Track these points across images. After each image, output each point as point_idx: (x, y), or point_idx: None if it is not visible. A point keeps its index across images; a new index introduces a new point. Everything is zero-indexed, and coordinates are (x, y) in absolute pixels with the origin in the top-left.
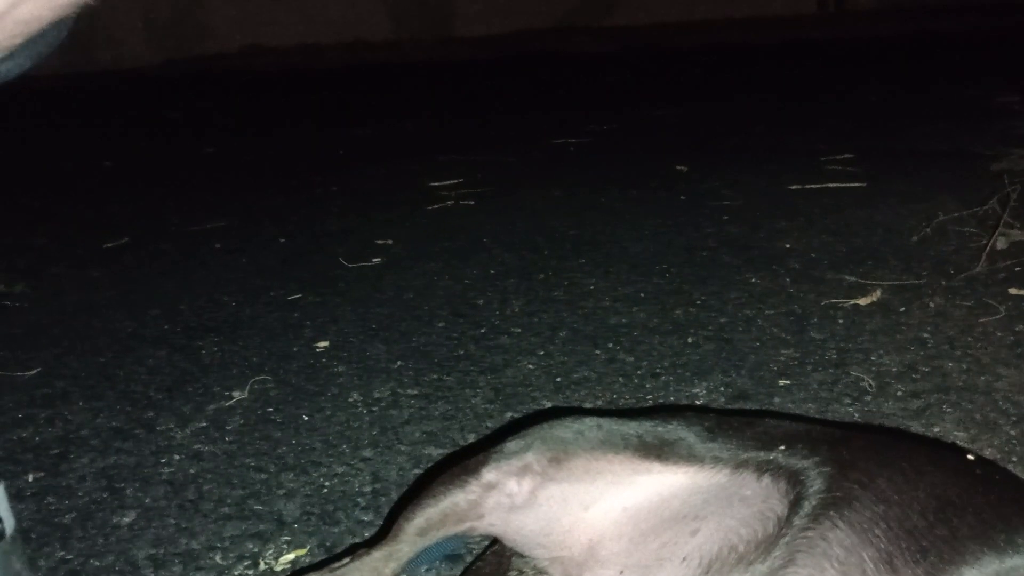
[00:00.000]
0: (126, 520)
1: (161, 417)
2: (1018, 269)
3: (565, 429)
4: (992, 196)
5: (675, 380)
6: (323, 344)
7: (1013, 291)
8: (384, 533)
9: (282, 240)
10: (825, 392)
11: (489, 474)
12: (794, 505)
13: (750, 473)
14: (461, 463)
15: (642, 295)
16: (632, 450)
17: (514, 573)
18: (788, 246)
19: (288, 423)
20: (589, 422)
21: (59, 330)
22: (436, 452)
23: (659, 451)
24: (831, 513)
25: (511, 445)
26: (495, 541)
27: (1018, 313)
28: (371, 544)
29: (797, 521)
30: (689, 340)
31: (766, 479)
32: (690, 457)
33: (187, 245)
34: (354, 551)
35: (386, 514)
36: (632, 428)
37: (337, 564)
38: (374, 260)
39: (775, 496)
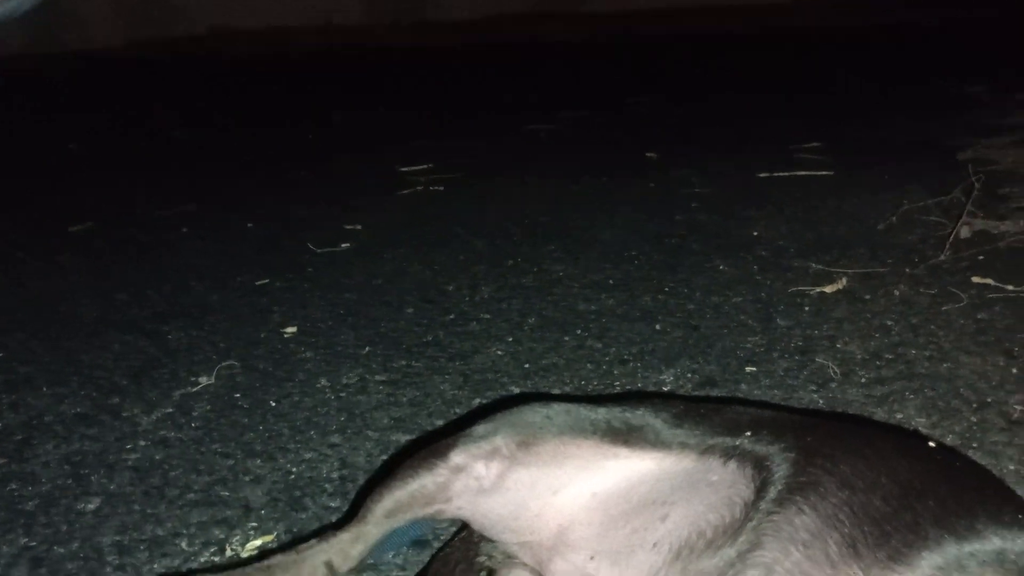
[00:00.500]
0: (91, 507)
1: (127, 403)
2: (981, 258)
3: (533, 413)
4: (957, 186)
5: (643, 367)
6: (291, 330)
7: (976, 279)
8: (352, 516)
9: (250, 225)
10: (791, 379)
11: (457, 457)
12: (760, 490)
13: (716, 459)
14: (429, 446)
15: (611, 282)
16: (600, 435)
17: (483, 558)
18: (756, 234)
19: (255, 409)
20: (557, 407)
21: (23, 315)
22: (404, 438)
23: (626, 437)
24: (797, 498)
25: (479, 429)
26: (463, 527)
27: (980, 301)
28: (339, 526)
29: (763, 506)
30: (657, 327)
31: (732, 465)
32: (657, 443)
33: (154, 230)
34: (321, 534)
35: (353, 500)
36: (600, 414)
37: (304, 545)
38: (343, 246)
39: (742, 481)
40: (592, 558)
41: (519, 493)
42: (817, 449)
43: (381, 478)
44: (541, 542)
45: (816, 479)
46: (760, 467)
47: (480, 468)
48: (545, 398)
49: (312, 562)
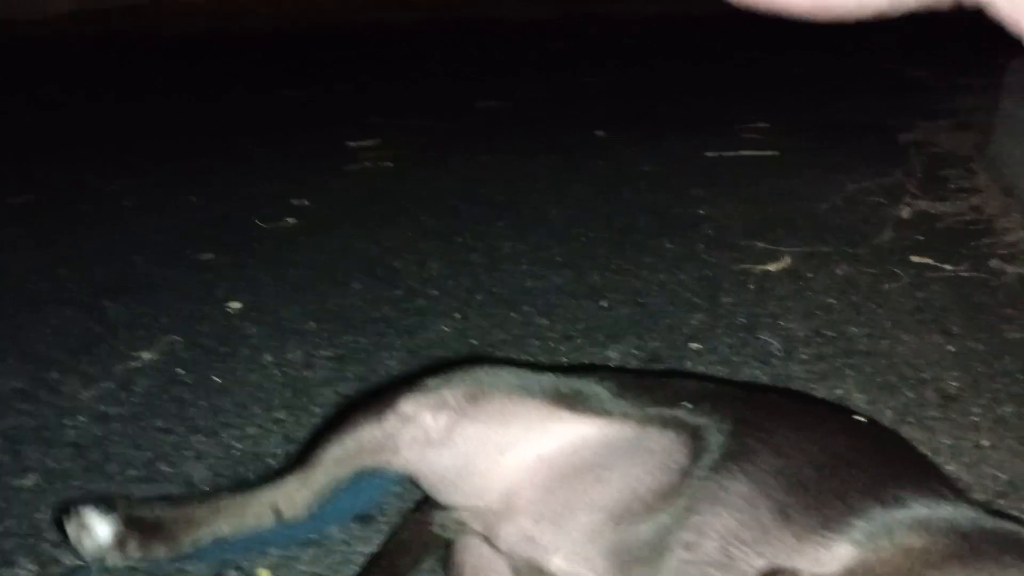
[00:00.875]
0: (27, 483)
1: (66, 378)
2: (920, 238)
3: (483, 371)
4: (899, 167)
5: (589, 343)
6: (236, 305)
7: (915, 259)
8: (300, 463)
9: (195, 200)
10: (735, 355)
11: (406, 406)
12: (697, 458)
13: (655, 427)
14: (378, 396)
15: (559, 259)
16: (547, 397)
17: (438, 528)
18: (702, 213)
19: (198, 384)
20: (507, 368)
21: None
22: None
23: (572, 401)
24: (731, 465)
25: (430, 381)
26: (416, 507)
27: (920, 280)
28: (286, 472)
29: (699, 472)
30: (604, 304)
31: (670, 433)
32: (600, 410)
33: (97, 203)
34: (267, 478)
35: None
36: (548, 378)
37: (251, 488)
38: (290, 221)
39: (679, 449)
40: (536, 522)
41: (466, 448)
42: (753, 420)
43: (330, 426)
44: (489, 507)
45: (751, 448)
46: (697, 436)
47: (428, 419)
48: (496, 362)
49: (259, 504)
